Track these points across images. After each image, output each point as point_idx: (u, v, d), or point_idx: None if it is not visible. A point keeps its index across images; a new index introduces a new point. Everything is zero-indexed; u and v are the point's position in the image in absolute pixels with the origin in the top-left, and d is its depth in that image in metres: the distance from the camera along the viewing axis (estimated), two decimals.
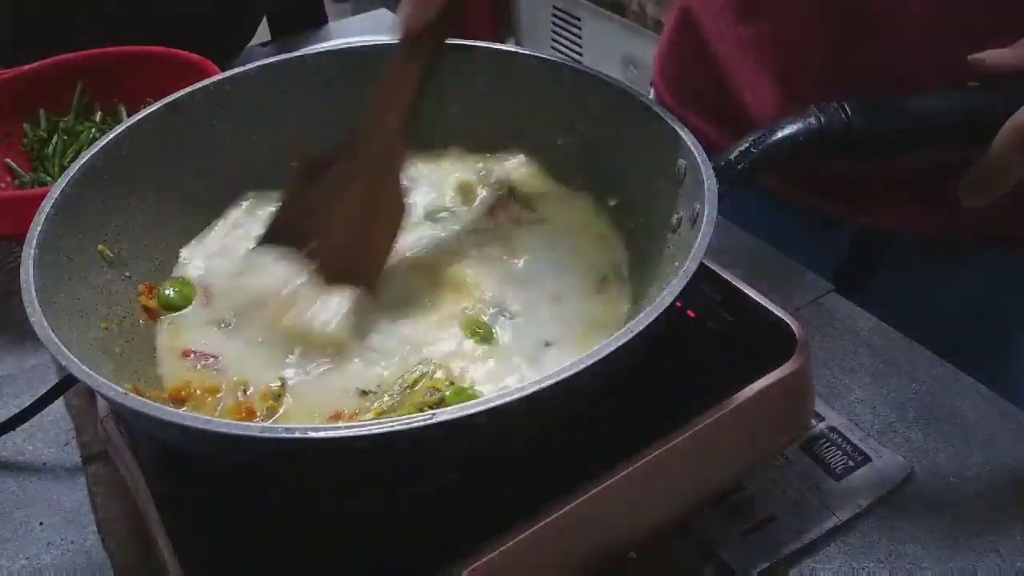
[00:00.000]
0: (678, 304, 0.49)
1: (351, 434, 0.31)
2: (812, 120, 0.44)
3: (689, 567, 0.46)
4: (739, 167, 0.44)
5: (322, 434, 0.31)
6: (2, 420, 0.54)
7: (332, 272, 0.49)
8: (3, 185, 0.72)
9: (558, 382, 0.32)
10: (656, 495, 0.43)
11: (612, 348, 0.34)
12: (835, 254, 0.75)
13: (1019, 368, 0.71)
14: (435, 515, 0.40)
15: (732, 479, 0.49)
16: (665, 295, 0.36)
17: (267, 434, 0.32)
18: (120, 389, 0.34)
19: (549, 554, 0.39)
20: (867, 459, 0.52)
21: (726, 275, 0.51)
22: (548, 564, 0.40)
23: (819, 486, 0.50)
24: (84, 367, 0.35)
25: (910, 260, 0.73)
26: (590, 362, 0.33)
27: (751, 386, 0.44)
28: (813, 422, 0.54)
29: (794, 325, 0.47)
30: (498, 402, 0.32)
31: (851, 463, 0.51)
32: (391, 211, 0.50)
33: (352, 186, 0.50)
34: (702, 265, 0.51)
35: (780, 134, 0.45)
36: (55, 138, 0.75)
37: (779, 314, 0.48)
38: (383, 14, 1.21)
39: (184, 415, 0.34)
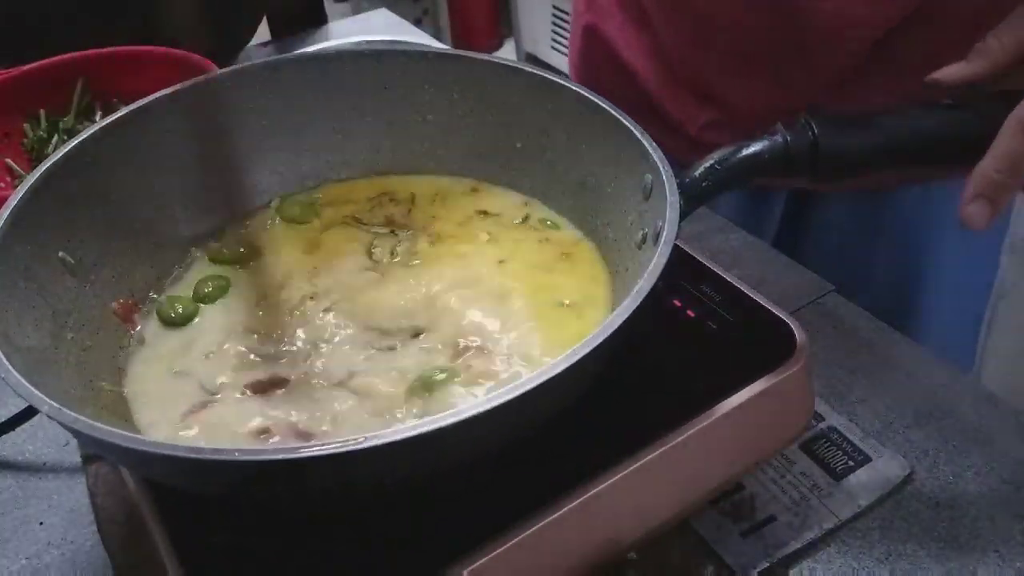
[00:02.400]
0: (677, 304, 0.50)
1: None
2: (778, 138, 0.44)
3: (689, 567, 0.46)
4: (704, 184, 0.44)
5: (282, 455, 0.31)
6: (2, 420, 0.54)
7: None
8: (3, 185, 0.72)
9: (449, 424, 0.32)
10: (656, 495, 0.43)
11: (538, 381, 0.33)
12: (772, 220, 0.81)
13: (936, 310, 0.79)
14: (435, 515, 0.39)
15: (732, 479, 0.49)
16: (614, 317, 0.35)
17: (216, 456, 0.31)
18: (56, 405, 0.34)
19: (549, 554, 0.39)
20: (867, 459, 0.52)
21: (726, 275, 0.51)
22: (548, 564, 0.40)
23: (819, 486, 0.50)
24: (24, 380, 0.35)
25: (837, 216, 0.79)
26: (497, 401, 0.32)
27: (751, 386, 0.44)
28: (813, 422, 0.54)
29: (794, 325, 0.47)
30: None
31: (851, 463, 0.52)
32: None
33: None
34: (702, 266, 0.52)
35: (745, 151, 0.44)
36: (55, 138, 0.75)
37: (779, 314, 0.48)
38: (383, 14, 1.21)
39: (112, 432, 0.32)
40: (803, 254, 0.71)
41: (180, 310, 0.49)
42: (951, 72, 0.45)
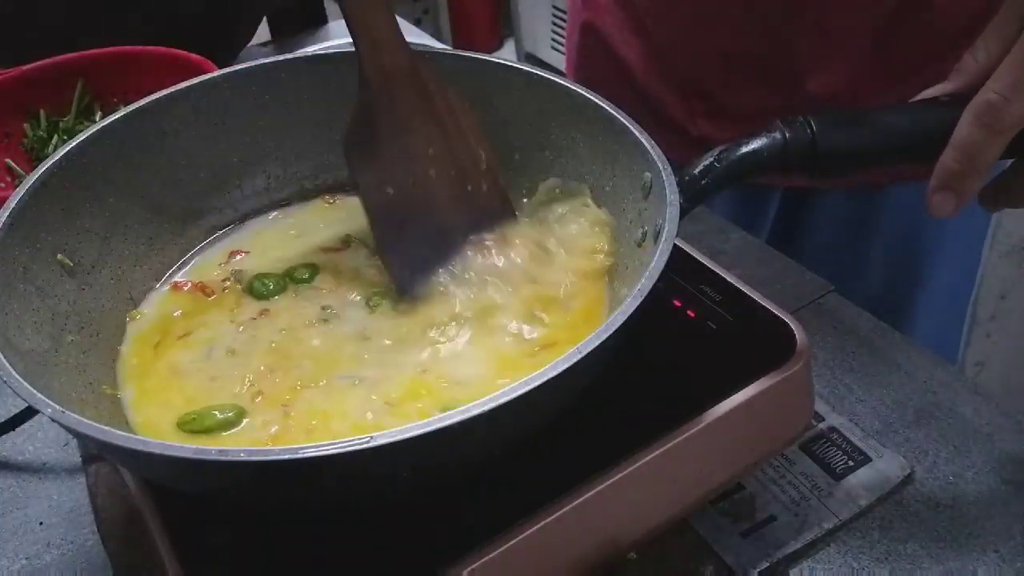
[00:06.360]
0: (677, 304, 0.50)
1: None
2: (777, 135, 0.44)
3: (689, 567, 0.46)
4: (703, 182, 0.44)
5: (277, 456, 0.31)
6: (2, 420, 0.54)
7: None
8: (3, 185, 0.72)
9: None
10: (656, 495, 0.43)
11: (541, 380, 0.33)
12: (766, 217, 0.83)
13: (929, 306, 0.82)
14: (435, 515, 0.39)
15: (732, 479, 0.49)
16: (616, 316, 0.35)
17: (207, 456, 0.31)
18: (59, 408, 0.34)
19: (549, 554, 0.39)
20: (867, 459, 0.52)
21: (726, 275, 0.51)
22: (548, 564, 0.40)
23: (819, 486, 0.50)
24: (25, 383, 0.35)
25: (831, 214, 0.81)
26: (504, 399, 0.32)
27: (751, 386, 0.44)
28: (813, 422, 0.54)
29: (794, 326, 0.47)
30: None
31: (851, 463, 0.52)
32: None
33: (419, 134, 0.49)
34: (702, 266, 0.52)
35: (744, 149, 0.44)
36: (55, 138, 0.75)
37: (779, 314, 0.48)
38: None
39: (118, 435, 0.32)
40: (797, 252, 0.72)
41: (274, 284, 0.50)
42: (932, 93, 0.46)
